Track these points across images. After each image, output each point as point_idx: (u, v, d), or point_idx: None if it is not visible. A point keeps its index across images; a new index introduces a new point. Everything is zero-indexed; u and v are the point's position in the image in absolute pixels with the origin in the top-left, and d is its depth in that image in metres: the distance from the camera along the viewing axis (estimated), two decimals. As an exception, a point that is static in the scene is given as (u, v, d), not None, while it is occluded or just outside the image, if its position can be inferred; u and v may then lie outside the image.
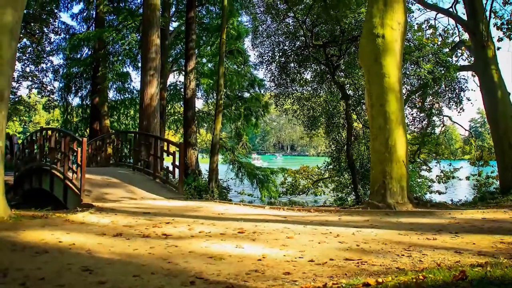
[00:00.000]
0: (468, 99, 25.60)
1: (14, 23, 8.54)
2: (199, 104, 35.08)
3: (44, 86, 33.95)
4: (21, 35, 28.95)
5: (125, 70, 30.67)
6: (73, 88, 30.01)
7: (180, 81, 32.29)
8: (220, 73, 18.91)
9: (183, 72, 27.40)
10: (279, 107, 25.20)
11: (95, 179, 13.93)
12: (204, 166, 24.86)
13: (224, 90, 22.55)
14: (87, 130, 29.19)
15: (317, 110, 23.83)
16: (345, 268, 5.00)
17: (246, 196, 24.32)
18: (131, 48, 28.44)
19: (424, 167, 23.66)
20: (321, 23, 22.02)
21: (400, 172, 11.85)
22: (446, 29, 23.94)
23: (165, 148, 15.57)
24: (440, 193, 22.71)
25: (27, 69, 33.63)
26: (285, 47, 23.57)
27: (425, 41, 20.34)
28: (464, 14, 20.50)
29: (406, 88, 20.76)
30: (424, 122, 22.05)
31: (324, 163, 25.18)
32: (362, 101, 20.81)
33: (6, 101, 8.54)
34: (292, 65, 23.69)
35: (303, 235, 7.06)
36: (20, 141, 24.10)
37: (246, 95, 28.18)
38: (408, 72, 20.30)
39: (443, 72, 19.74)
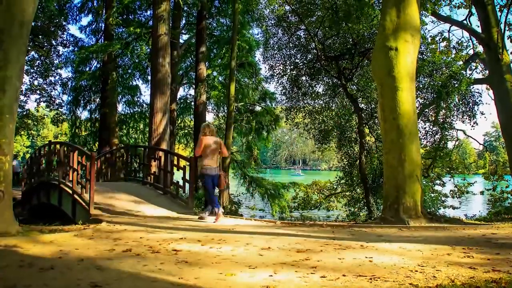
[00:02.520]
0: (482, 113, 25.44)
1: (22, 35, 8.50)
2: (209, 117, 35.05)
3: (53, 99, 33.94)
4: (29, 48, 28.96)
5: (134, 83, 30.73)
6: (81, 101, 29.94)
7: (190, 94, 32.30)
8: (231, 85, 18.85)
9: (193, 85, 27.36)
10: (290, 120, 25.13)
11: (104, 193, 13.84)
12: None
13: (235, 104, 22.47)
14: (96, 144, 29.12)
15: (329, 124, 23.73)
16: (358, 284, 4.89)
17: (257, 211, 24.18)
18: (141, 61, 28.47)
19: (438, 181, 23.44)
20: (333, 36, 22.00)
21: (413, 187, 11.72)
22: (460, 41, 23.88)
23: (175, 162, 15.45)
24: (454, 208, 22.50)
25: (35, 82, 33.68)
26: (297, 60, 23.59)
27: (438, 54, 20.24)
28: (478, 26, 20.44)
29: (419, 102, 20.64)
30: (437, 136, 21.86)
31: (336, 178, 25.02)
32: (375, 114, 20.71)
33: (14, 114, 8.48)
34: (303, 78, 23.70)
35: (314, 250, 6.93)
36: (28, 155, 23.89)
37: (257, 108, 28.06)
38: (421, 85, 20.17)
39: (456, 85, 19.60)
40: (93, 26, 31.20)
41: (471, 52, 23.49)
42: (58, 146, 16.29)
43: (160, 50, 18.37)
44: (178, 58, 26.01)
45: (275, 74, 24.60)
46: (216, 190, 14.06)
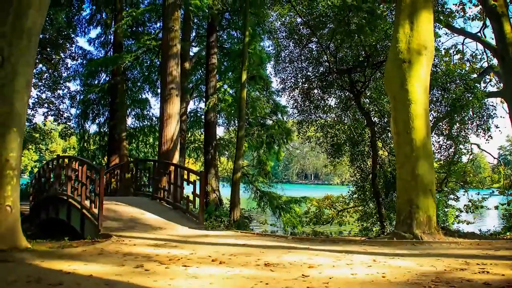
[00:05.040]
0: (497, 127, 25.21)
1: (30, 48, 8.46)
2: (220, 131, 34.91)
3: (61, 113, 33.78)
4: (37, 61, 28.92)
5: (143, 96, 30.65)
6: (90, 115, 29.56)
7: (200, 108, 32.15)
8: (241, 98, 18.76)
9: (204, 99, 27.30)
10: (302, 134, 25.03)
11: (113, 208, 13.77)
12: (225, 194, 24.62)
13: (246, 117, 22.38)
14: (105, 158, 28.92)
15: (341, 138, 23.61)
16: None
17: (268, 226, 24.05)
18: (150, 73, 28.43)
19: (452, 196, 23.16)
20: (345, 48, 21.92)
21: (427, 202, 11.56)
22: (474, 54, 23.78)
23: (185, 176, 15.32)
24: (468, 223, 22.24)
25: (43, 96, 33.45)
26: (308, 73, 23.55)
27: (452, 67, 20.11)
28: (492, 39, 20.29)
29: (433, 115, 20.46)
30: (451, 150, 21.63)
31: (348, 192, 24.84)
32: (388, 128, 20.57)
33: (22, 128, 8.43)
34: (315, 91, 23.64)
35: (326, 266, 6.87)
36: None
37: (269, 122, 27.93)
38: (435, 98, 20.01)
39: (470, 98, 19.41)
40: (102, 39, 31.07)
41: (485, 64, 23.43)
42: (66, 160, 16.24)
43: (170, 59, 18.16)
44: (188, 70, 25.89)
45: (287, 87, 24.56)
46: None
